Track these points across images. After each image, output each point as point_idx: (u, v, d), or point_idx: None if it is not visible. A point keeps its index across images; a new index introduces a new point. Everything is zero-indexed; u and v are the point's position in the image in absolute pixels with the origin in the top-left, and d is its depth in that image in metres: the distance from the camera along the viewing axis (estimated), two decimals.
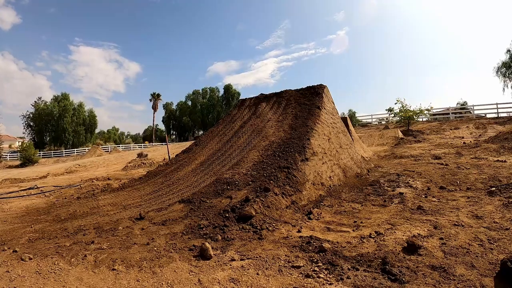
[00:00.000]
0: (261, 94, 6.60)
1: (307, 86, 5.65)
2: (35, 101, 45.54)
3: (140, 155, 21.26)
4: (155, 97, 67.45)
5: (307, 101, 5.27)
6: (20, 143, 35.22)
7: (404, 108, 21.20)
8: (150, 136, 68.28)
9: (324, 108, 4.97)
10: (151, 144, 50.28)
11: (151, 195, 4.04)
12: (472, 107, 26.11)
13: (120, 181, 7.15)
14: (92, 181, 7.08)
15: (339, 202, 3.69)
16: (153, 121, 69.89)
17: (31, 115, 44.33)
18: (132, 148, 43.65)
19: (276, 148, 4.28)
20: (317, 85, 5.57)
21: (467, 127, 19.08)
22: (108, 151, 38.59)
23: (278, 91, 6.20)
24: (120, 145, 48.52)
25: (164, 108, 70.18)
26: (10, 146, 46.41)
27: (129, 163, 15.33)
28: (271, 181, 3.38)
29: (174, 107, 69.55)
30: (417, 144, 14.55)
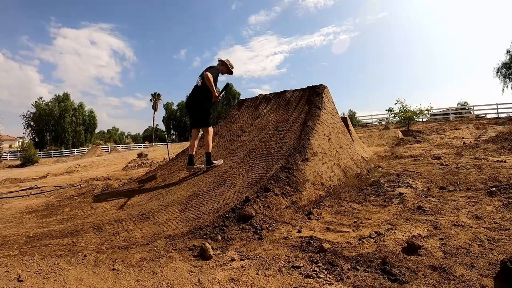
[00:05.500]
0: (261, 94, 6.61)
1: (308, 87, 5.64)
2: (35, 101, 45.71)
3: (140, 155, 21.27)
4: (155, 97, 67.42)
5: (307, 101, 5.26)
6: (20, 143, 35.32)
7: (404, 108, 21.20)
8: (150, 136, 68.36)
9: (324, 109, 4.97)
10: (151, 144, 50.27)
11: (151, 195, 4.04)
12: (472, 108, 26.12)
13: (120, 181, 7.15)
14: (92, 181, 7.08)
15: (339, 202, 3.69)
16: (153, 121, 69.88)
17: (31, 115, 44.44)
18: (132, 148, 43.71)
19: (276, 148, 4.28)
20: (318, 85, 5.56)
21: (467, 127, 19.12)
22: (108, 151, 38.67)
23: (279, 91, 6.20)
24: (120, 145, 48.55)
25: (164, 108, 70.18)
26: (10, 146, 46.47)
27: (129, 163, 15.37)
28: (271, 181, 3.38)
29: (174, 107, 69.52)
30: (417, 144, 14.57)
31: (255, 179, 3.56)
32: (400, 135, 17.21)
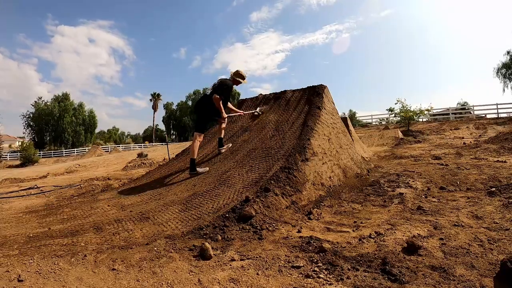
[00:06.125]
0: (261, 94, 6.61)
1: (308, 87, 5.64)
2: (35, 101, 45.70)
3: (140, 155, 21.26)
4: (155, 97, 67.31)
5: (307, 101, 5.26)
6: (20, 143, 35.40)
7: (405, 108, 21.17)
8: (150, 136, 68.39)
9: (324, 108, 4.97)
10: (151, 144, 50.28)
11: (151, 195, 4.05)
12: (472, 108, 26.11)
13: (120, 181, 7.15)
14: (92, 181, 7.09)
15: (339, 202, 3.69)
16: (153, 121, 69.71)
17: (31, 115, 44.38)
18: (132, 148, 43.72)
19: (276, 148, 4.28)
20: (318, 85, 5.55)
21: (467, 127, 19.11)
22: (108, 151, 38.73)
23: (278, 91, 6.21)
24: (120, 145, 48.53)
25: (164, 108, 70.12)
26: (10, 146, 46.39)
27: (129, 163, 15.37)
28: (271, 182, 3.38)
29: (174, 107, 69.48)
30: (417, 144, 14.57)
31: (255, 179, 3.55)
32: (400, 135, 17.18)
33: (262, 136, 4.84)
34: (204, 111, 4.76)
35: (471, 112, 26.11)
